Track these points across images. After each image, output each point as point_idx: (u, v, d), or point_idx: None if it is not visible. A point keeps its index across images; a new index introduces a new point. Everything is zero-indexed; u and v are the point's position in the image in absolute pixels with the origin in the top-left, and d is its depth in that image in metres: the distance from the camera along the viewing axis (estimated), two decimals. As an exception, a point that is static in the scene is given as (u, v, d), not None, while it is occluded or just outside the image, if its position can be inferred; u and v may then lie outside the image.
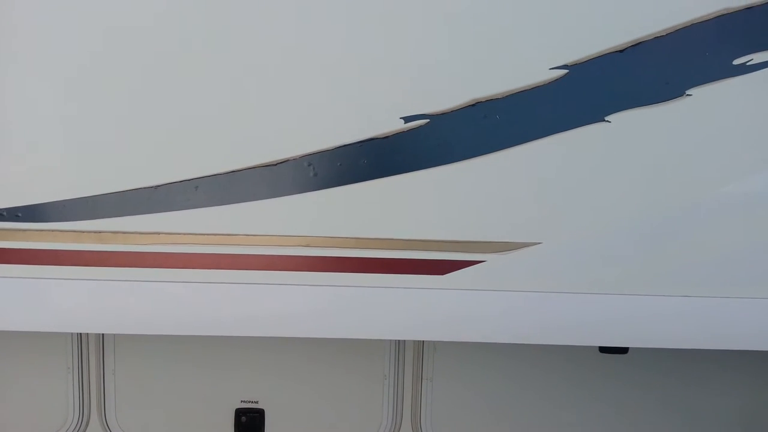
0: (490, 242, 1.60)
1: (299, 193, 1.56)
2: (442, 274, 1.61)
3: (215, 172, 1.54)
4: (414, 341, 2.51)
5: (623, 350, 2.47)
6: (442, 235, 1.60)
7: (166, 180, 1.53)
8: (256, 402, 2.51)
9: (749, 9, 1.46)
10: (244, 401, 2.51)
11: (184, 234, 1.55)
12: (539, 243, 1.60)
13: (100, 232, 1.57)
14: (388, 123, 1.54)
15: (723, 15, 1.47)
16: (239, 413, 2.50)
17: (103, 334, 2.43)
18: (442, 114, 1.53)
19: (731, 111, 1.53)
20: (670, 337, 1.80)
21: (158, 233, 1.55)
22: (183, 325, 1.65)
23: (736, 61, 1.49)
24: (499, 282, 1.63)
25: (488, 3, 1.51)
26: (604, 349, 2.47)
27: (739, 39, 1.49)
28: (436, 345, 2.51)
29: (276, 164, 1.55)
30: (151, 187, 1.53)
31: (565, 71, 1.49)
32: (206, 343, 2.42)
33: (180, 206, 1.54)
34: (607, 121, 1.52)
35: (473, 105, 1.52)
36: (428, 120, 1.53)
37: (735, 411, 2.57)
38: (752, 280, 1.67)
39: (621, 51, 1.48)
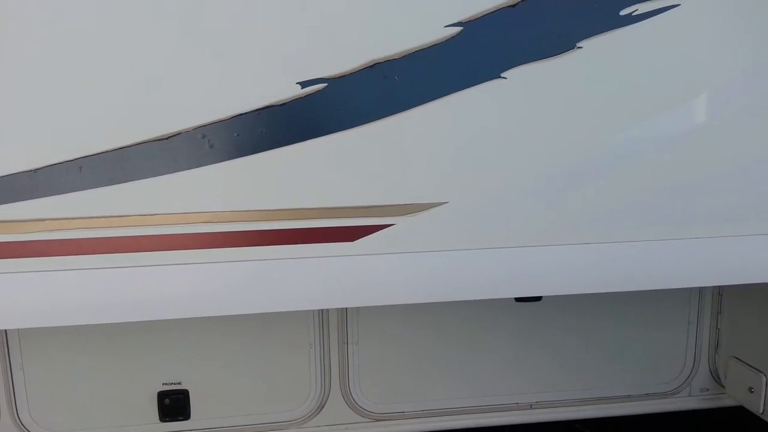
0: (397, 205, 1.59)
1: (196, 167, 1.49)
2: (352, 240, 1.59)
3: (102, 150, 1.44)
4: (340, 314, 2.51)
5: (537, 298, 2.58)
6: (349, 202, 1.57)
7: (48, 162, 1.42)
8: (179, 383, 2.46)
9: (630, -42, 1.50)
10: (166, 383, 2.45)
11: (73, 219, 1.46)
12: (446, 202, 1.61)
13: (-23, 223, 1.45)
14: (284, 89, 1.48)
15: (607, -35, 1.49)
16: (162, 396, 2.44)
17: (5, 331, 2.29)
18: (339, 77, 1.49)
19: (620, 61, 1.57)
20: (580, 284, 1.86)
21: (43, 219, 1.45)
22: (83, 314, 1.56)
23: (623, 12, 1.53)
24: (409, 244, 1.64)
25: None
26: (519, 299, 2.57)
27: (624, -11, 1.52)
28: (359, 309, 2.52)
29: (168, 137, 1.47)
30: (30, 170, 1.42)
31: (460, 28, 1.48)
32: (120, 330, 2.34)
33: (66, 189, 1.44)
34: (503, 77, 1.53)
35: (371, 66, 1.49)
36: (326, 84, 1.48)
37: (640, 344, 2.75)
38: (653, 224, 1.74)
39: (512, 6, 1.48)
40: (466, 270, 1.72)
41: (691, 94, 1.65)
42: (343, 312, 2.52)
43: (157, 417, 2.46)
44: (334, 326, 2.53)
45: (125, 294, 1.54)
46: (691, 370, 2.80)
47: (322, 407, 2.59)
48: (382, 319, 2.54)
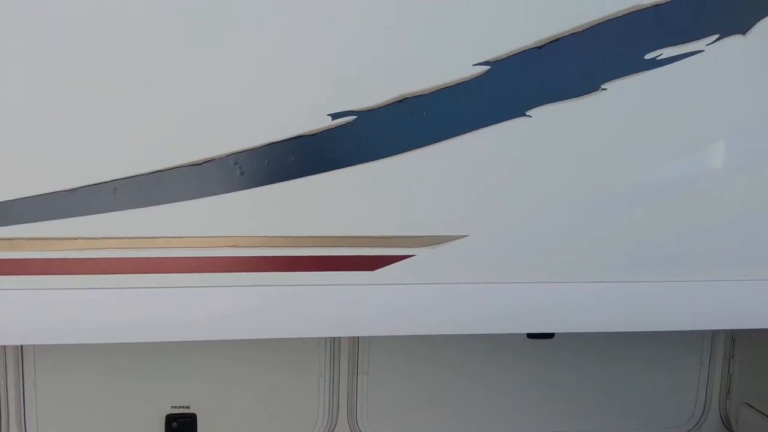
0: (418, 237, 1.62)
1: (226, 192, 1.53)
2: (372, 269, 1.62)
3: (136, 173, 1.48)
4: (350, 337, 2.52)
5: (549, 335, 2.58)
6: (371, 231, 1.60)
7: (83, 183, 1.46)
8: (188, 407, 2.46)
9: (657, 6, 1.54)
10: (175, 407, 2.45)
11: (104, 238, 1.49)
12: (466, 236, 1.64)
13: (11, 239, 1.48)
14: (315, 120, 1.53)
15: (633, 11, 1.54)
16: (170, 419, 2.44)
17: (21, 346, 2.31)
18: (369, 110, 1.53)
19: (644, 103, 1.61)
20: (593, 322, 1.88)
21: (76, 238, 1.48)
22: (106, 332, 1.58)
23: (648, 56, 1.57)
24: (428, 275, 1.66)
25: (414, 0, 1.52)
26: (531, 335, 2.57)
27: (649, 35, 1.57)
28: (370, 339, 2.53)
29: (201, 163, 1.51)
30: (68, 190, 1.46)
31: (488, 67, 1.53)
32: (132, 351, 2.36)
33: (98, 210, 1.47)
34: (528, 115, 1.57)
35: (400, 101, 1.53)
36: (355, 116, 1.53)
37: (651, 385, 2.74)
38: (666, 266, 1.76)
39: (540, 47, 1.53)
40: (482, 303, 1.74)
41: (710, 140, 1.69)
42: (355, 342, 2.53)
43: (164, 440, 2.46)
44: (345, 356, 2.54)
45: (151, 314, 1.57)
46: (702, 414, 2.78)
47: (329, 436, 2.58)
48: (394, 350, 2.55)
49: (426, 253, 1.63)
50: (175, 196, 1.51)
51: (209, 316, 1.61)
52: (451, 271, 1.67)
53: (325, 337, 2.51)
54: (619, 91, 1.57)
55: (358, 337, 2.51)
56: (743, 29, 1.59)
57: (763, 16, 1.59)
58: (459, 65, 1.52)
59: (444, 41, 1.54)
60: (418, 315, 1.73)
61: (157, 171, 1.50)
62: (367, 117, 1.52)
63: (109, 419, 2.42)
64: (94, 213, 1.47)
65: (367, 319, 1.71)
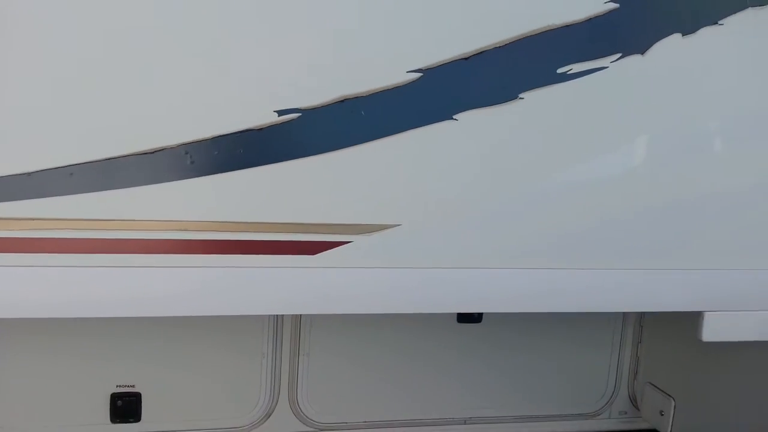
0: (355, 225, 1.78)
1: (177, 180, 1.64)
2: (313, 254, 1.77)
3: (92, 159, 1.58)
4: (291, 319, 2.65)
5: (478, 320, 2.79)
6: (312, 219, 1.75)
7: (41, 167, 1.55)
8: (133, 386, 2.54)
9: (568, 26, 1.75)
10: (120, 386, 2.52)
11: (60, 219, 1.58)
12: (399, 225, 1.81)
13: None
14: (262, 115, 1.66)
15: (548, 30, 1.74)
16: (115, 398, 2.51)
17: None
18: (312, 108, 1.68)
19: (556, 111, 1.81)
20: (517, 304, 2.05)
21: (34, 219, 1.57)
22: (60, 307, 1.68)
23: (559, 70, 1.78)
24: (364, 260, 1.81)
25: (357, 11, 1.67)
26: (461, 319, 2.77)
27: (561, 51, 1.76)
28: (312, 321, 2.67)
29: (153, 152, 1.62)
30: (25, 173, 1.55)
31: (420, 74, 1.70)
32: (77, 331, 2.42)
33: (55, 192, 1.57)
34: (455, 119, 1.75)
35: (341, 101, 1.68)
36: (300, 114, 1.67)
37: (569, 369, 2.98)
38: (579, 255, 1.97)
39: (466, 58, 1.71)
40: (414, 286, 1.91)
41: (612, 145, 1.90)
42: (297, 324, 2.66)
43: (108, 418, 2.53)
44: (287, 337, 2.67)
45: (105, 292, 1.67)
46: (612, 393, 3.04)
47: (270, 415, 2.71)
48: (334, 332, 2.69)
49: (362, 239, 1.79)
50: (129, 182, 1.62)
51: (159, 294, 1.73)
52: (385, 257, 1.82)
53: (268, 320, 2.64)
54: (535, 100, 1.76)
55: (300, 319, 2.64)
56: (642, 49, 1.81)
57: (660, 38, 1.82)
58: (395, 71, 1.68)
59: (382, 49, 1.69)
60: (355, 296, 1.88)
61: (113, 158, 1.60)
62: (310, 114, 1.67)
63: (53, 398, 2.47)
64: (52, 195, 1.56)
65: (307, 299, 1.86)
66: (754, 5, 1.84)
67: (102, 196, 1.60)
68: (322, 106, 1.67)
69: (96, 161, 1.59)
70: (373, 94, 1.68)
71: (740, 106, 1.94)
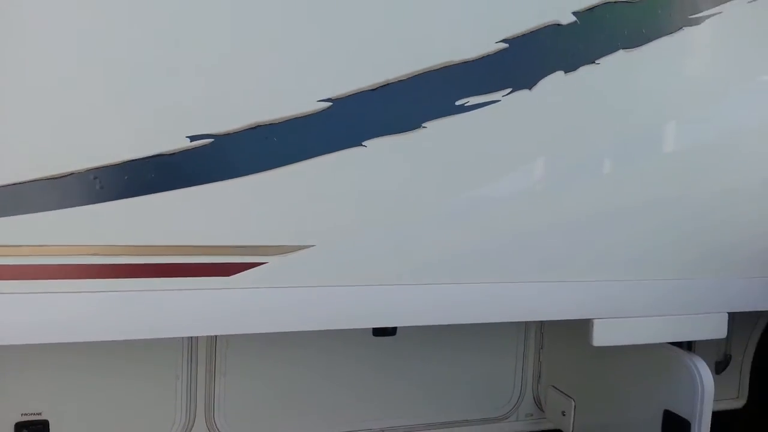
0: (270, 246, 1.84)
1: (86, 204, 1.64)
2: (228, 275, 1.81)
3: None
4: (207, 340, 2.65)
5: (392, 332, 2.89)
6: (228, 241, 1.80)
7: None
8: (39, 414, 2.45)
9: (465, 63, 1.91)
10: (26, 414, 2.43)
11: (-33, 246, 1.55)
12: (314, 245, 1.89)
13: None
14: (174, 140, 1.70)
15: (447, 66, 1.89)
16: (20, 426, 2.41)
17: None
18: (225, 134, 1.74)
19: (455, 140, 1.96)
20: (427, 317, 2.16)
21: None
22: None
23: (458, 102, 1.93)
24: (280, 280, 1.87)
25: (270, 42, 1.75)
26: (376, 332, 2.86)
27: (459, 85, 1.91)
28: (228, 341, 2.67)
29: (61, 177, 1.62)
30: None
31: (330, 104, 1.80)
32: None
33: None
34: (364, 145, 1.86)
35: (254, 128, 1.75)
36: (213, 139, 1.72)
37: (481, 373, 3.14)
38: (485, 268, 2.11)
39: (373, 89, 1.83)
40: (329, 304, 1.98)
41: (504, 170, 2.07)
42: (213, 344, 2.66)
43: (13, 448, 2.42)
44: (202, 358, 2.65)
45: (10, 318, 1.64)
46: (518, 397, 3.21)
47: (186, 438, 2.68)
48: (251, 351, 2.70)
49: (278, 260, 1.86)
50: (37, 207, 1.61)
51: (72, 319, 1.71)
52: (300, 276, 1.90)
53: (182, 342, 2.62)
54: (437, 129, 1.91)
55: (216, 339, 2.65)
56: (530, 85, 2.00)
57: (546, 75, 2.01)
58: (306, 100, 1.77)
59: (294, 79, 1.78)
60: (271, 315, 1.93)
61: (21, 182, 1.59)
62: (223, 140, 1.73)
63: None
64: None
65: (223, 320, 1.90)
66: (624, 48, 2.08)
67: (10, 221, 1.59)
68: (235, 132, 1.73)
69: (3, 186, 1.58)
70: (285, 121, 1.76)
71: (616, 133, 2.17)
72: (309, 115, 1.78)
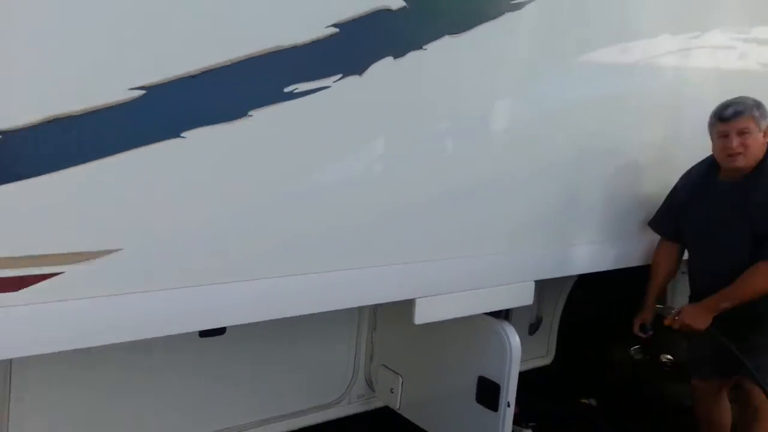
0: (66, 254, 1.59)
1: None
2: (16, 290, 1.54)
3: None
4: (2, 366, 2.25)
5: (221, 332, 2.70)
6: (12, 252, 1.53)
7: None
8: None
9: (295, 48, 1.80)
10: None
11: None
12: (120, 249, 1.67)
13: None
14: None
15: (275, 51, 1.76)
16: None
17: None
18: (15, 130, 1.45)
19: (284, 128, 1.85)
20: (253, 314, 2.04)
21: None
22: None
23: (286, 89, 1.82)
24: (81, 290, 1.64)
25: (74, 26, 1.51)
26: (203, 333, 2.65)
27: (287, 71, 1.81)
28: (26, 366, 2.29)
29: None
30: None
31: (143, 92, 1.58)
32: None
33: None
34: (183, 136, 1.68)
35: (50, 122, 1.48)
36: (1, 136, 1.43)
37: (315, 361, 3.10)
38: (311, 257, 2.04)
39: (194, 76, 1.65)
40: (144, 311, 1.78)
41: (339, 157, 2.02)
42: (7, 369, 2.27)
43: None
44: (-5, 386, 2.26)
45: None
46: (351, 379, 3.23)
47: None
48: (54, 371, 2.36)
49: (77, 268, 1.61)
50: None
51: None
52: (105, 284, 1.68)
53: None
54: (264, 117, 1.79)
55: (10, 363, 2.26)
56: (360, 71, 1.95)
57: (376, 61, 1.97)
58: (116, 89, 1.55)
59: (100, 65, 1.54)
60: (73, 330, 1.69)
61: None
62: (12, 137, 1.44)
63: None
64: None
65: (14, 342, 1.61)
66: (450, 34, 2.10)
67: None
68: (27, 128, 1.46)
69: None
70: (88, 113, 1.52)
71: (442, 117, 2.21)
72: (119, 104, 1.56)
